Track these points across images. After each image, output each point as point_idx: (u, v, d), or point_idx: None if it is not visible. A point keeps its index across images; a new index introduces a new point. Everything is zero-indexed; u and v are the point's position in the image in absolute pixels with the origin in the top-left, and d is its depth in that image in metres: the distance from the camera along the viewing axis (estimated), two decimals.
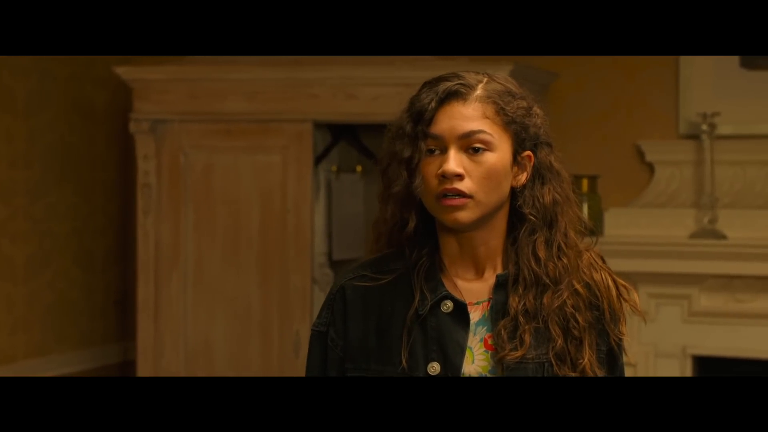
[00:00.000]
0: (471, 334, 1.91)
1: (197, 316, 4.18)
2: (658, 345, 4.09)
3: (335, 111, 4.10)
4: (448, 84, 1.89)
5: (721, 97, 4.13)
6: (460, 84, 1.90)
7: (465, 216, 1.87)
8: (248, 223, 4.14)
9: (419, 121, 1.89)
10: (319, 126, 4.19)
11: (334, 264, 4.31)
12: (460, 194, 1.86)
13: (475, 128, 1.87)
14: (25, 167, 4.27)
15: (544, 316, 1.90)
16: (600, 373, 1.93)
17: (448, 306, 1.91)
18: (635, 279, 4.10)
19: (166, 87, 4.20)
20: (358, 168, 4.46)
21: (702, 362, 4.09)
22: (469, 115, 1.88)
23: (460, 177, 1.86)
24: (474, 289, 1.93)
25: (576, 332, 1.91)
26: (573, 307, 1.91)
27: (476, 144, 1.87)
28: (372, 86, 3.99)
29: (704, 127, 4.05)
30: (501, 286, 1.92)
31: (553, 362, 1.89)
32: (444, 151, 1.88)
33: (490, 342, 1.90)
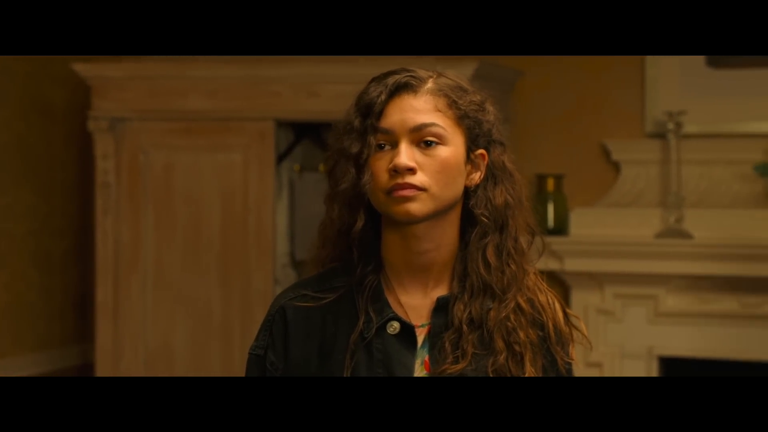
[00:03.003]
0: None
1: (157, 318, 4.13)
2: (625, 346, 4.07)
3: (297, 109, 4.06)
4: (398, 77, 1.82)
5: (687, 96, 4.12)
6: (410, 77, 1.83)
7: (417, 208, 1.78)
8: (209, 223, 4.10)
9: (368, 115, 1.81)
10: (281, 124, 4.15)
11: (297, 264, 4.27)
12: (413, 187, 1.78)
13: (427, 121, 1.80)
14: None
15: (489, 327, 1.83)
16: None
17: (394, 327, 1.84)
18: (601, 279, 4.09)
19: (125, 85, 4.15)
20: (321, 167, 4.41)
21: (668, 363, 4.07)
22: (420, 108, 1.80)
23: (412, 171, 1.78)
24: (419, 308, 1.86)
25: (517, 347, 1.84)
26: (515, 320, 1.85)
27: (428, 137, 1.80)
28: (335, 84, 3.94)
29: (670, 126, 4.03)
30: (441, 308, 1.85)
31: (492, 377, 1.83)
32: (395, 145, 1.80)
33: (429, 364, 1.84)
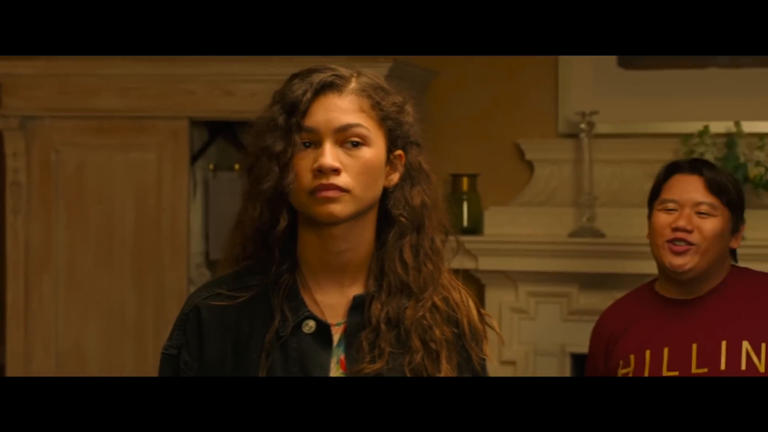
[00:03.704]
0: None
1: (69, 319, 4.08)
2: (538, 344, 4.10)
3: (212, 108, 4.03)
4: (323, 75, 1.81)
5: (599, 96, 4.16)
6: (335, 75, 1.82)
7: (340, 209, 1.78)
8: (122, 223, 4.06)
9: (292, 113, 1.79)
10: (195, 123, 4.12)
11: (211, 264, 4.24)
12: (337, 188, 1.78)
13: (352, 122, 1.80)
14: None
15: (406, 325, 1.84)
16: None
17: (310, 326, 1.84)
18: (515, 277, 4.11)
19: (35, 82, 4.09)
20: (236, 166, 4.40)
21: (581, 360, 4.11)
22: (345, 108, 1.80)
23: (336, 172, 1.77)
24: (335, 306, 1.86)
25: (433, 345, 1.85)
26: (431, 319, 1.86)
27: (353, 138, 1.80)
28: (249, 83, 3.92)
29: (583, 126, 4.07)
30: (357, 307, 1.86)
31: (409, 376, 1.83)
32: (318, 144, 1.79)
33: (345, 363, 1.84)
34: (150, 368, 4.00)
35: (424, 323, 1.85)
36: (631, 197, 4.13)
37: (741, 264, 2.96)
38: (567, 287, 4.08)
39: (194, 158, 4.16)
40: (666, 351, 2.72)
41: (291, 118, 1.79)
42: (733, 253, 2.87)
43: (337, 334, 1.86)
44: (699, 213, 2.75)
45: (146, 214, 4.05)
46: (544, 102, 4.26)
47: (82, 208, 4.08)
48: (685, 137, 4.01)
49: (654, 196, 2.86)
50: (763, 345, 2.67)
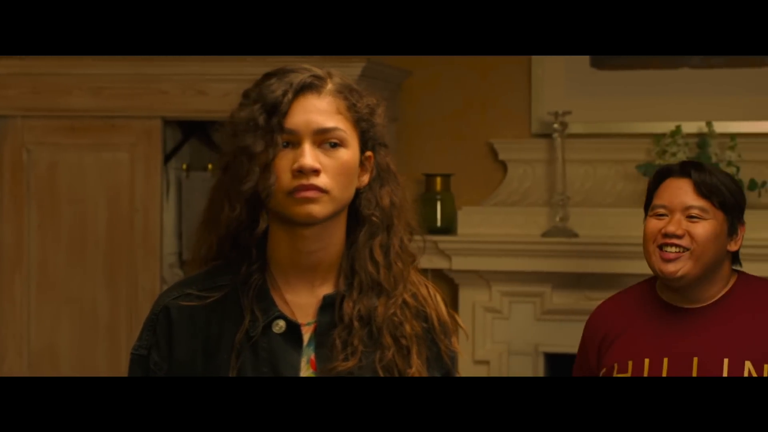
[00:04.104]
0: None
1: (41, 320, 4.06)
2: (512, 343, 4.11)
3: (185, 108, 4.02)
4: (302, 76, 1.81)
5: (572, 96, 4.18)
6: (313, 76, 1.82)
7: (319, 210, 1.79)
8: (95, 223, 4.04)
9: (273, 113, 1.79)
10: (168, 123, 4.11)
11: (185, 264, 4.23)
12: (317, 189, 1.78)
13: (330, 125, 1.80)
14: None
15: (377, 323, 1.85)
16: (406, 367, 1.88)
17: (280, 326, 1.84)
18: (488, 277, 4.12)
19: (7, 82, 4.07)
20: (210, 166, 4.38)
21: (554, 359, 4.12)
22: (324, 110, 1.81)
23: (316, 172, 1.78)
24: (305, 306, 1.87)
25: (404, 341, 1.86)
26: (401, 315, 1.87)
27: (333, 139, 1.80)
28: (222, 82, 3.91)
29: (556, 125, 4.08)
30: (328, 306, 1.86)
31: (381, 373, 1.84)
32: (296, 145, 1.79)
33: (315, 362, 1.85)
34: (123, 368, 3.97)
35: (395, 320, 1.86)
36: (603, 197, 4.14)
37: None
38: (540, 287, 4.09)
39: (167, 158, 4.14)
40: (666, 361, 2.64)
41: (271, 118, 1.79)
42: (735, 256, 2.76)
43: (307, 334, 1.86)
44: (690, 217, 2.66)
45: (119, 214, 4.03)
46: (517, 102, 4.27)
47: (55, 208, 4.06)
48: (657, 137, 4.03)
49: (647, 203, 2.78)
50: (766, 366, 2.59)
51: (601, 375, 2.74)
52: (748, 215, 4.04)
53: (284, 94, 1.79)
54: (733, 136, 3.96)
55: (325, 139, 1.81)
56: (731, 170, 3.90)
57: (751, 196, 3.97)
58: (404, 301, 1.89)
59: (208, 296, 1.86)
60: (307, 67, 1.85)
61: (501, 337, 4.13)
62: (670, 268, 2.64)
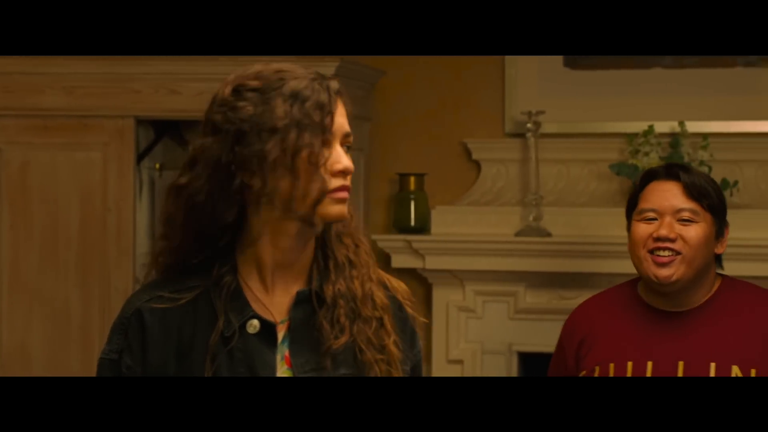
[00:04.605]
0: None
1: (13, 320, 4.03)
2: (485, 342, 4.12)
3: (158, 107, 4.01)
4: (334, 82, 1.86)
5: (545, 96, 4.19)
6: (338, 82, 1.88)
7: (347, 210, 1.86)
8: (67, 223, 4.02)
9: (326, 114, 1.82)
10: (141, 122, 4.09)
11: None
12: (348, 190, 1.85)
13: (350, 129, 1.87)
14: None
15: (359, 297, 1.89)
16: (401, 355, 1.91)
17: (254, 326, 1.85)
18: (462, 276, 4.13)
19: None
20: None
21: (528, 359, 4.14)
22: (345, 114, 1.87)
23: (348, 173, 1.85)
24: (278, 304, 1.88)
25: (378, 313, 1.90)
26: (375, 288, 1.92)
27: (349, 143, 1.87)
28: (195, 82, 3.90)
29: (529, 125, 4.09)
30: (301, 303, 1.88)
31: (363, 346, 1.87)
32: (330, 145, 1.84)
33: (290, 358, 1.86)
34: (95, 368, 3.97)
35: (370, 292, 1.91)
36: (577, 197, 4.16)
37: None
38: (514, 286, 4.10)
39: (140, 157, 4.13)
40: (650, 365, 2.60)
41: (324, 120, 1.82)
42: (718, 258, 2.72)
43: (281, 332, 1.87)
44: (681, 220, 2.61)
45: (92, 214, 4.01)
46: (490, 102, 4.27)
47: (27, 207, 4.04)
48: (630, 137, 4.04)
49: (632, 207, 2.72)
50: (753, 371, 2.56)
51: (581, 377, 2.71)
52: None
53: (330, 98, 1.83)
54: (705, 136, 3.98)
55: (346, 142, 1.86)
56: (704, 170, 3.92)
57: None
58: (377, 280, 1.94)
59: (180, 298, 1.85)
60: (312, 70, 1.88)
61: (475, 337, 4.14)
62: (665, 272, 2.59)
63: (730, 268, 3.08)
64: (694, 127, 4.03)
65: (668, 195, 2.64)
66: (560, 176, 4.19)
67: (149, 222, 4.23)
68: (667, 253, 2.60)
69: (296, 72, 1.85)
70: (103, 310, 4.00)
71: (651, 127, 3.99)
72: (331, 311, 1.87)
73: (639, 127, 4.03)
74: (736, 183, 3.95)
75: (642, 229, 2.65)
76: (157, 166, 4.28)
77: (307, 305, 1.87)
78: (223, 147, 1.80)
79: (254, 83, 1.83)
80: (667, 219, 2.62)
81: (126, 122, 4.01)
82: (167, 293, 1.86)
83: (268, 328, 1.85)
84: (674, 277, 2.59)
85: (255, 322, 1.85)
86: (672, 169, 2.69)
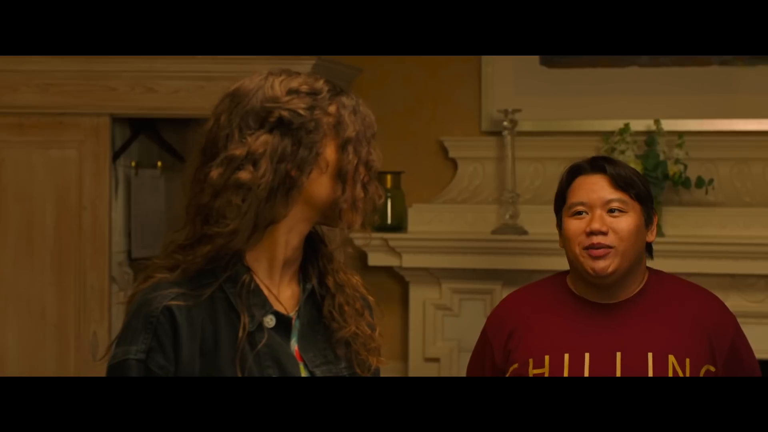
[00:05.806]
0: None
1: None
2: (462, 340, 4.12)
3: (134, 105, 3.99)
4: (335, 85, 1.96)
5: (521, 94, 4.20)
6: None
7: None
8: (42, 221, 4.00)
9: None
10: (117, 120, 4.08)
11: (134, 262, 4.21)
12: None
13: None
14: None
15: (350, 285, 1.98)
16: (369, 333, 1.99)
17: (271, 321, 1.89)
18: (439, 275, 4.13)
19: None
20: (159, 163, 4.36)
21: None
22: None
23: None
24: (286, 299, 1.92)
25: (359, 302, 2.00)
26: (351, 276, 2.02)
27: None
28: (172, 80, 3.89)
29: (506, 123, 4.10)
30: (309, 297, 1.95)
31: (359, 332, 1.96)
32: None
33: (299, 352, 1.92)
34: (71, 368, 3.96)
35: (347, 278, 2.00)
36: (553, 195, 4.14)
37: (664, 260, 2.96)
38: (490, 284, 4.10)
39: (116, 155, 4.11)
40: (587, 356, 2.61)
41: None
42: (649, 247, 2.74)
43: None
44: (610, 211, 2.63)
45: (67, 212, 4.00)
46: (467, 100, 4.28)
47: (1, 205, 4.02)
48: (606, 135, 4.05)
49: (560, 203, 2.74)
50: (687, 360, 2.60)
51: (511, 370, 2.71)
52: (696, 213, 4.08)
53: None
54: (680, 134, 4.00)
55: None
56: (679, 168, 3.94)
57: (698, 194, 4.02)
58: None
59: (200, 294, 1.86)
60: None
61: (451, 335, 4.14)
62: (601, 264, 2.60)
63: (706, 266, 3.11)
64: (669, 125, 4.05)
65: (596, 188, 2.66)
66: (537, 174, 4.20)
67: (125, 220, 4.22)
68: (601, 246, 2.62)
69: (337, 86, 1.96)
70: (78, 309, 3.99)
71: (627, 125, 4.00)
72: (335, 302, 1.95)
73: (615, 125, 4.05)
74: (711, 181, 3.97)
75: (575, 225, 2.67)
76: (133, 164, 4.27)
77: (311, 299, 1.95)
78: (287, 146, 1.85)
79: (312, 87, 1.91)
80: (598, 212, 2.64)
81: (102, 120, 4.00)
82: (188, 290, 1.86)
83: (284, 322, 1.90)
84: (610, 269, 2.61)
85: (271, 316, 1.89)
86: (597, 162, 2.71)
